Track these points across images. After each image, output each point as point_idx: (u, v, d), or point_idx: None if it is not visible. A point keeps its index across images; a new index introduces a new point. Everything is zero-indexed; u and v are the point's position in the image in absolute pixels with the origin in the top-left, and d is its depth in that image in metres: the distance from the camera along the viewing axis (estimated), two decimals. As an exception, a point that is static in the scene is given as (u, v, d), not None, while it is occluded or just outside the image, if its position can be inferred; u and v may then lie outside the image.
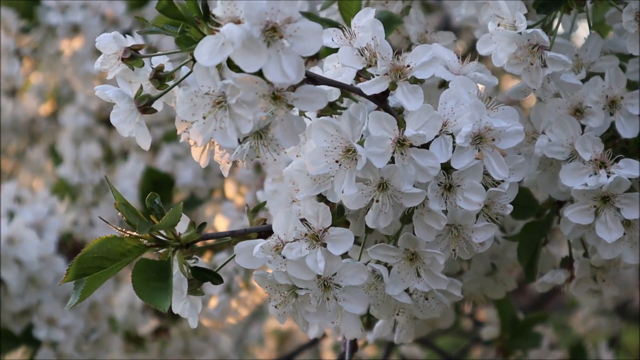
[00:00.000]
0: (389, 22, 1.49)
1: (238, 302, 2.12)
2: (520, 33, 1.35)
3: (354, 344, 1.52)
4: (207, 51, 1.11)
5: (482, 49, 1.40)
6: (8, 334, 2.23)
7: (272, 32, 1.12)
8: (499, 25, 1.38)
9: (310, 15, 1.53)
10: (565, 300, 3.37)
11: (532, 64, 1.36)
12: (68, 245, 2.40)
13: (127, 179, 2.52)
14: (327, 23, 1.46)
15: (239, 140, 1.17)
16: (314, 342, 3.02)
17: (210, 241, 2.02)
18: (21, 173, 3.10)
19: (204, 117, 1.15)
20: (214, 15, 1.13)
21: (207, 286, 2.06)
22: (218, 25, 1.12)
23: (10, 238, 2.13)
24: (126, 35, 1.26)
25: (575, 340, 2.87)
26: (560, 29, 1.58)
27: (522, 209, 1.51)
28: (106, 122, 2.69)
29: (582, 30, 1.63)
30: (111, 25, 2.43)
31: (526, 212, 1.52)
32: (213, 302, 2.11)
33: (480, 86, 1.37)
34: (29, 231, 2.15)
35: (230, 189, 2.41)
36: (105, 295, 2.32)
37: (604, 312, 3.05)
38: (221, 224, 2.29)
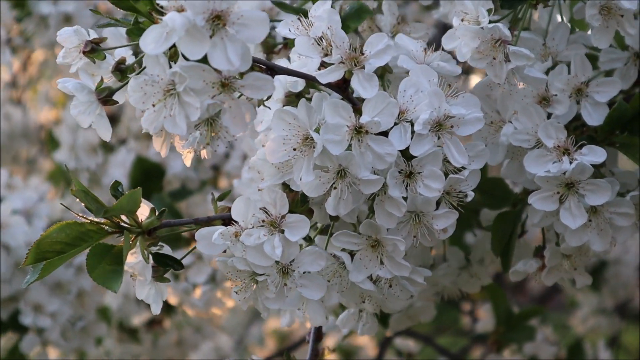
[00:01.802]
0: (360, 12, 1.50)
1: (223, 292, 2.14)
2: (482, 28, 1.35)
3: (318, 333, 1.53)
4: (153, 40, 1.14)
5: (447, 44, 1.41)
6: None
7: (216, 20, 1.14)
8: (462, 20, 1.38)
9: (283, 5, 1.55)
10: (565, 300, 3.35)
11: (495, 59, 1.36)
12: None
13: (118, 168, 2.54)
14: (293, 11, 1.47)
15: (193, 127, 1.20)
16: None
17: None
18: (33, 180, 3.15)
19: (154, 105, 1.18)
20: (158, 5, 1.15)
21: (192, 276, 2.11)
22: (164, 14, 1.15)
23: None
24: (87, 29, 1.29)
25: (574, 339, 2.85)
26: (541, 23, 1.58)
27: (497, 199, 1.52)
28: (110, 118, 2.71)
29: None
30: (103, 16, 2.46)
31: (501, 202, 1.53)
32: (197, 292, 2.13)
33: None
34: (17, 217, 2.18)
35: (223, 182, 2.43)
36: (93, 282, 2.33)
37: (604, 312, 3.03)
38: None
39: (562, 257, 1.46)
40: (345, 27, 1.42)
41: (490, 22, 1.35)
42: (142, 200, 1.27)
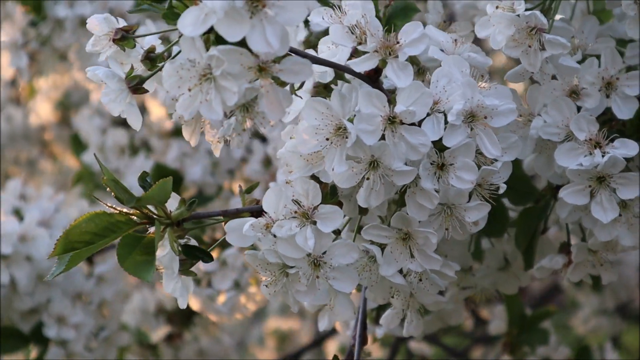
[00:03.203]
0: (406, 10, 1.48)
1: (247, 297, 2.12)
2: (518, 15, 1.34)
3: (363, 337, 1.52)
4: (191, 22, 1.12)
5: (480, 32, 1.40)
6: (17, 332, 2.24)
7: (255, 2, 1.12)
8: (497, 7, 1.37)
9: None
10: (566, 300, 3.35)
11: (530, 47, 1.35)
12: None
13: (136, 175, 2.51)
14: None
15: (225, 113, 1.18)
16: (318, 343, 3.01)
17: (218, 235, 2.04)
18: (33, 182, 3.12)
19: (190, 90, 1.16)
20: (197, -13, 1.13)
21: (217, 282, 2.09)
22: (202, -4, 1.13)
23: (22, 236, 2.14)
24: (117, 18, 1.27)
25: (576, 340, 2.84)
26: (565, 14, 1.58)
27: (521, 195, 1.50)
28: (122, 123, 2.69)
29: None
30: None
31: (525, 198, 1.51)
32: (222, 298, 2.11)
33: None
34: (41, 229, 2.16)
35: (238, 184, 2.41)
36: (115, 292, 2.32)
37: (605, 312, 3.03)
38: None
39: (589, 252, 1.44)
40: (391, 25, 1.42)
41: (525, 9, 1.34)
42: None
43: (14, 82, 2.98)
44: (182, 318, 2.43)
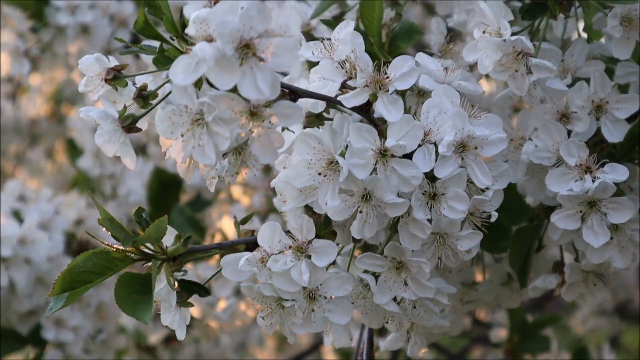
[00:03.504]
0: (409, 33, 1.49)
1: (247, 304, 2.14)
2: (504, 40, 1.35)
3: (370, 356, 1.54)
4: (182, 70, 1.13)
5: (468, 56, 1.41)
6: (15, 334, 2.26)
7: (245, 49, 1.13)
8: (484, 32, 1.38)
9: (329, 23, 1.54)
10: (565, 301, 3.35)
11: (517, 71, 1.36)
12: (72, 245, 2.41)
13: (135, 179, 2.53)
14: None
15: (221, 156, 1.20)
16: (316, 346, 3.03)
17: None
18: (21, 174, 3.13)
19: (183, 135, 1.17)
20: (187, 35, 1.14)
21: (217, 289, 2.11)
22: (192, 44, 1.14)
23: (21, 239, 2.15)
24: (108, 56, 1.28)
25: (575, 340, 2.86)
26: (556, 32, 1.59)
27: (515, 214, 1.52)
28: None
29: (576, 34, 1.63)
30: (119, 26, 2.44)
31: (519, 217, 1.52)
32: (222, 305, 2.13)
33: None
34: (40, 232, 2.18)
35: (236, 190, 2.43)
36: (113, 295, 2.33)
37: (604, 312, 3.04)
38: (227, 226, 2.31)
39: (582, 273, 1.46)
40: (395, 47, 1.44)
41: (512, 34, 1.35)
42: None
43: (10, 78, 2.98)
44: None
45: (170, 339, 2.50)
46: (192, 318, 2.38)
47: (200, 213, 2.47)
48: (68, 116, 2.91)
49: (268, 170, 2.33)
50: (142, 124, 1.28)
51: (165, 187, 2.41)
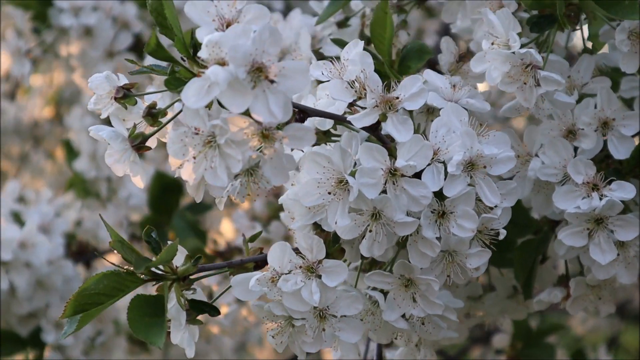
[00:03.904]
0: (420, 53, 1.49)
1: (248, 310, 2.15)
2: (513, 52, 1.35)
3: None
4: (194, 93, 1.13)
5: (476, 67, 1.41)
6: (14, 336, 2.26)
7: (257, 72, 1.13)
8: (492, 43, 1.38)
9: (340, 43, 1.54)
10: None
11: (525, 83, 1.36)
12: (72, 246, 2.41)
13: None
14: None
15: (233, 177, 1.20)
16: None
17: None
18: (24, 176, 3.12)
19: (194, 157, 1.17)
20: (199, 58, 1.14)
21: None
22: (204, 66, 1.14)
23: (22, 243, 2.16)
24: (117, 75, 1.28)
25: (574, 340, 2.86)
26: (559, 41, 1.59)
27: (519, 227, 1.52)
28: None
29: (579, 41, 1.63)
30: (122, 28, 2.43)
31: (523, 230, 1.53)
32: (224, 310, 2.14)
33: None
34: (41, 236, 2.18)
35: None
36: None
37: None
38: (227, 229, 2.31)
39: (587, 287, 1.47)
40: (405, 67, 1.43)
41: (520, 46, 1.35)
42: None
43: (9, 77, 2.97)
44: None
45: None
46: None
47: (201, 217, 2.47)
48: (66, 117, 2.89)
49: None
50: (151, 142, 1.28)
51: (165, 190, 2.40)
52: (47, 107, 3.13)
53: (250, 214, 2.38)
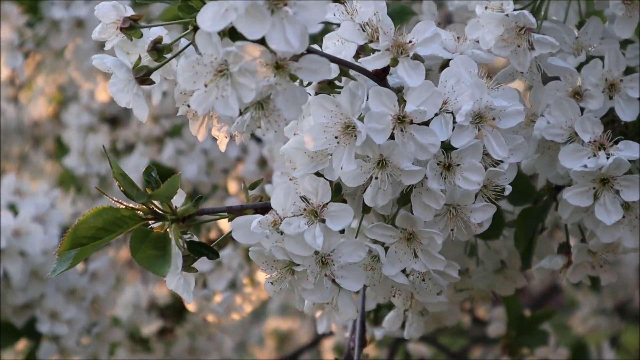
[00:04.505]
0: (401, 14, 1.49)
1: (243, 298, 2.12)
2: (507, 15, 1.34)
3: (362, 340, 1.52)
4: (210, 17, 1.10)
5: (471, 33, 1.39)
6: (9, 327, 2.23)
7: (276, 0, 1.11)
8: (486, 8, 1.37)
9: None
10: (565, 300, 3.37)
11: (519, 47, 1.34)
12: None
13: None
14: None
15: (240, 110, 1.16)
16: (315, 343, 3.01)
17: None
18: (23, 176, 3.08)
19: (206, 85, 1.13)
20: (217, -19, 1.11)
21: (212, 282, 2.08)
22: (221, -10, 1.11)
23: (16, 231, 2.12)
24: (125, 6, 1.25)
25: (574, 339, 2.85)
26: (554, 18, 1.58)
27: (519, 195, 1.49)
28: (110, 121, 2.71)
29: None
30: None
31: (524, 198, 1.51)
32: (217, 298, 2.11)
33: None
34: (35, 224, 2.15)
35: (233, 185, 2.41)
36: (107, 289, 2.32)
37: (604, 312, 3.05)
38: (223, 222, 2.28)
39: (589, 253, 1.45)
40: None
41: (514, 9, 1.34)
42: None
43: (12, 81, 2.94)
44: (175, 313, 2.42)
45: (164, 331, 2.46)
46: (185, 311, 2.37)
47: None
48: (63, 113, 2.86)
49: (263, 164, 2.31)
50: (155, 77, 1.25)
51: (161, 180, 2.37)
52: (48, 107, 3.10)
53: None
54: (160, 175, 2.34)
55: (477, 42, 1.40)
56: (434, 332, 2.15)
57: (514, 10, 1.34)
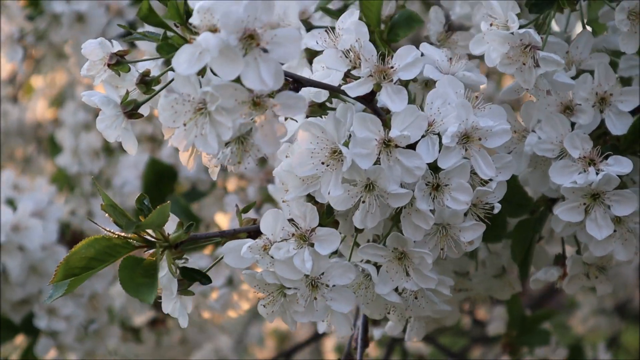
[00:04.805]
0: (409, 21, 1.48)
1: (239, 295, 2.14)
2: (512, 33, 1.34)
3: (365, 341, 1.54)
4: (185, 60, 1.12)
5: (475, 49, 1.40)
6: (7, 322, 2.25)
7: (249, 40, 1.13)
8: (491, 25, 1.37)
9: (328, 11, 1.53)
10: (564, 300, 3.35)
11: (524, 64, 1.35)
12: (66, 235, 2.42)
13: (130, 170, 2.51)
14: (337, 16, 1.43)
15: (223, 145, 1.19)
16: (313, 340, 3.03)
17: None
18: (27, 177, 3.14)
19: (185, 124, 1.17)
20: (191, 24, 1.14)
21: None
22: (196, 33, 1.13)
23: (15, 225, 2.14)
24: (112, 41, 1.28)
25: (574, 339, 2.85)
26: (555, 27, 1.58)
27: (515, 206, 1.51)
28: None
29: (579, 28, 1.62)
30: (115, 16, 2.42)
31: (520, 209, 1.52)
32: (214, 295, 2.13)
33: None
34: (34, 220, 2.16)
35: (232, 182, 2.42)
36: (105, 285, 2.34)
37: (604, 312, 3.04)
38: (221, 221, 2.31)
39: (584, 265, 1.46)
40: (393, 35, 1.43)
41: (519, 27, 1.34)
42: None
43: (12, 80, 2.98)
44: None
45: (155, 321, 2.49)
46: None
47: (196, 204, 2.46)
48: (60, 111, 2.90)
49: (263, 162, 2.33)
50: (144, 110, 1.28)
51: (160, 178, 2.40)
52: (50, 109, 3.14)
53: (245, 201, 2.38)
54: (159, 172, 2.39)
55: (481, 57, 1.40)
56: (433, 332, 2.16)
57: (519, 27, 1.34)
